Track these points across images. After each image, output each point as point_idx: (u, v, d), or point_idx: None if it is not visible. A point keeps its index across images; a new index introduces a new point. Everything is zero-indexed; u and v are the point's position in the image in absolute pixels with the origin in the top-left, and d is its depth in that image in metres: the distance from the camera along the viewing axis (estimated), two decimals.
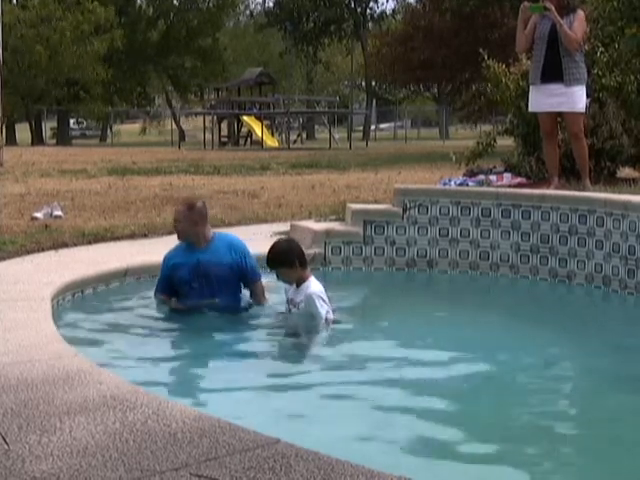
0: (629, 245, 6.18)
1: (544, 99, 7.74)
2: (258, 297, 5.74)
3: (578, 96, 7.65)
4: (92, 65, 42.26)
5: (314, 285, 5.30)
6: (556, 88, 7.63)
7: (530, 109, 8.10)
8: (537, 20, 7.74)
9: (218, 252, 5.66)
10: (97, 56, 42.39)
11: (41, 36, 40.88)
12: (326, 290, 5.39)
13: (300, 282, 5.32)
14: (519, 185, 8.73)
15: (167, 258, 5.80)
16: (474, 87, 29.87)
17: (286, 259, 5.28)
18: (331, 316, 5.29)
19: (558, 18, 7.49)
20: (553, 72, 7.60)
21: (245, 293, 5.79)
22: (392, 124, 56.69)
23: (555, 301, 6.72)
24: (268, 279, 5.76)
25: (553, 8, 7.49)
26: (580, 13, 7.67)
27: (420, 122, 59.81)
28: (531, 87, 7.94)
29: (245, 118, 37.96)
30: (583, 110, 7.80)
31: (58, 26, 41.07)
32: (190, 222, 5.61)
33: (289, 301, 5.39)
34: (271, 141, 36.70)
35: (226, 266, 5.63)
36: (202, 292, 5.60)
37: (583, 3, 10.08)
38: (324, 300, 5.26)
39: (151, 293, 5.86)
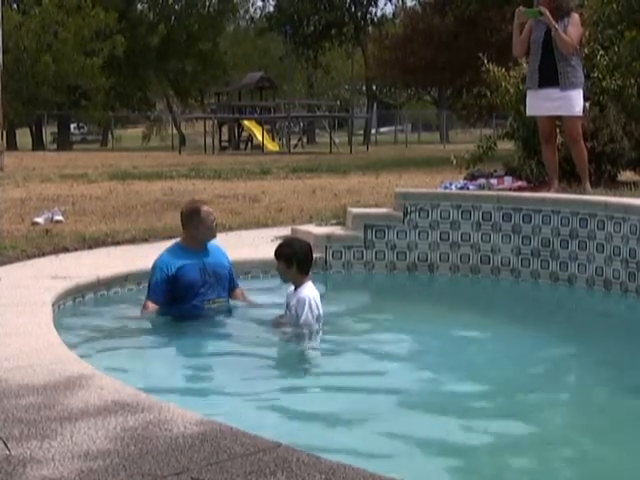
0: (630, 248, 6.19)
1: (541, 103, 7.75)
2: (244, 299, 5.90)
3: (575, 100, 7.64)
4: (94, 74, 42.11)
5: (307, 290, 5.31)
6: (552, 92, 7.63)
7: (528, 113, 8.11)
8: (532, 24, 7.74)
9: (216, 255, 5.81)
10: (99, 67, 42.28)
11: (42, 43, 40.84)
12: (322, 297, 5.38)
13: (297, 286, 5.35)
14: (520, 189, 8.72)
15: (166, 262, 5.69)
16: (474, 90, 29.89)
17: (286, 256, 5.34)
18: (316, 326, 5.28)
19: (553, 22, 7.48)
20: (549, 76, 7.60)
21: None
22: (393, 128, 56.66)
23: (556, 304, 6.71)
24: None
25: (547, 12, 7.49)
26: (575, 16, 7.66)
27: (421, 126, 59.80)
28: (528, 91, 7.94)
29: (246, 122, 37.97)
30: (581, 113, 7.79)
31: (60, 34, 41.01)
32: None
33: (287, 305, 5.41)
34: (272, 145, 36.70)
35: (226, 269, 5.81)
36: (209, 293, 5.66)
37: (582, 7, 10.08)
38: (312, 307, 5.24)
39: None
